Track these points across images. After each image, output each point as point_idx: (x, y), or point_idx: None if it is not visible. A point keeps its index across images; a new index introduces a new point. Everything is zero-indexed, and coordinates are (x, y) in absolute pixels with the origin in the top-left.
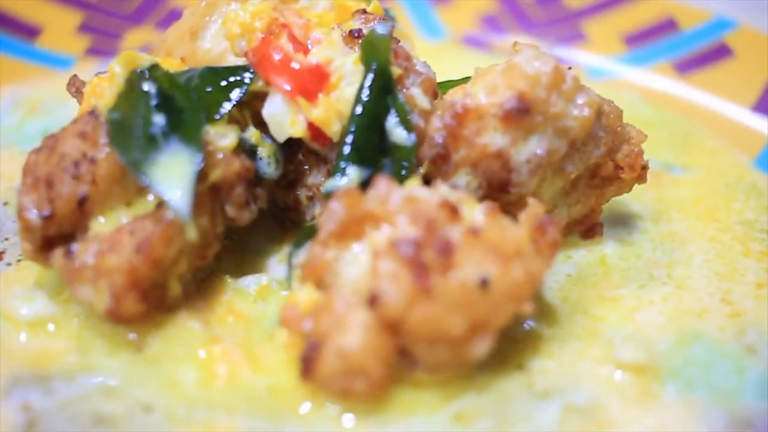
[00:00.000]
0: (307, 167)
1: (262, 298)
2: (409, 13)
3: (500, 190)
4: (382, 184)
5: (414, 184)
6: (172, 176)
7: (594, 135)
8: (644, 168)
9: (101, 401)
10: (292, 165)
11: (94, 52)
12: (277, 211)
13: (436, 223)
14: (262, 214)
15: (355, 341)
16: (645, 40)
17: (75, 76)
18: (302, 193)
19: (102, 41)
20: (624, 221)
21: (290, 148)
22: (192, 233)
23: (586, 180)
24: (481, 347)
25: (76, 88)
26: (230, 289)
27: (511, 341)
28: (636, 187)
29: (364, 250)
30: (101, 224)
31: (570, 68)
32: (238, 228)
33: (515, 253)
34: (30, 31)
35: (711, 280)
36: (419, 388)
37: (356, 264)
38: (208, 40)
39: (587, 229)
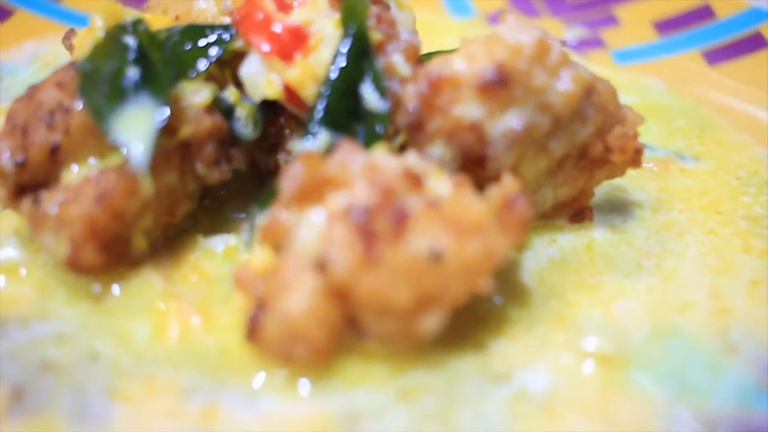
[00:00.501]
0: (288, 131)
1: (228, 259)
2: None
3: (477, 164)
4: (345, 148)
5: (380, 151)
6: (136, 129)
7: (581, 113)
8: (638, 152)
9: (51, 348)
10: (273, 128)
11: None
12: (259, 174)
13: (393, 191)
14: (243, 177)
15: (299, 305)
16: (677, 27)
17: (71, 29)
18: (282, 157)
19: (127, 2)
20: (621, 208)
21: (272, 111)
22: (147, 186)
23: (574, 161)
24: (431, 322)
25: (70, 41)
26: (199, 248)
27: (474, 319)
28: (640, 174)
29: (321, 214)
30: (73, 174)
31: (564, 43)
32: (217, 188)
33: (474, 227)
34: None
35: (702, 273)
36: (369, 359)
37: (312, 228)
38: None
39: (575, 212)
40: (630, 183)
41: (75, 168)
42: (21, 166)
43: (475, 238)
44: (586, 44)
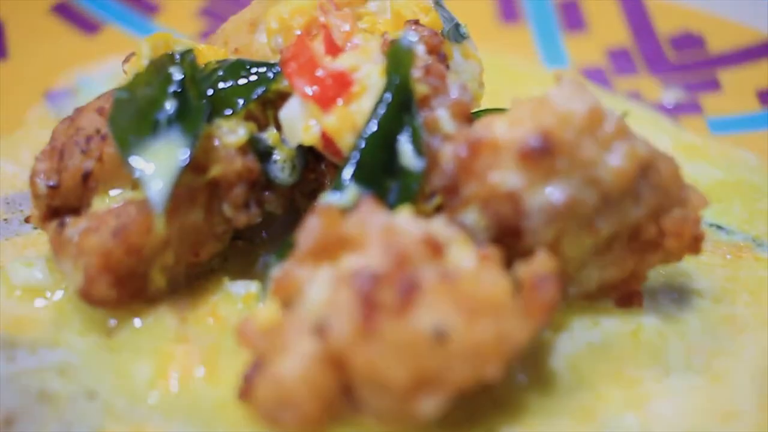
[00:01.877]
0: (328, 179)
1: (247, 306)
2: (535, 38)
3: (512, 236)
4: (366, 206)
5: (404, 213)
6: (159, 165)
7: (634, 191)
8: (697, 239)
9: (53, 379)
10: (313, 174)
11: (207, 36)
12: (299, 219)
13: (408, 259)
14: (283, 220)
15: (292, 370)
16: None
17: (132, 53)
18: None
19: (218, 26)
20: (679, 295)
21: (314, 156)
22: (160, 226)
23: (625, 242)
24: (429, 405)
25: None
26: (222, 291)
27: (490, 403)
28: (709, 259)
29: (331, 274)
30: (101, 203)
31: (626, 114)
32: (254, 230)
33: (489, 307)
34: (150, 7)
35: (756, 380)
36: None
37: (321, 289)
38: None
39: (624, 296)
40: (695, 268)
41: (106, 197)
42: (54, 189)
43: (488, 320)
44: (682, 108)
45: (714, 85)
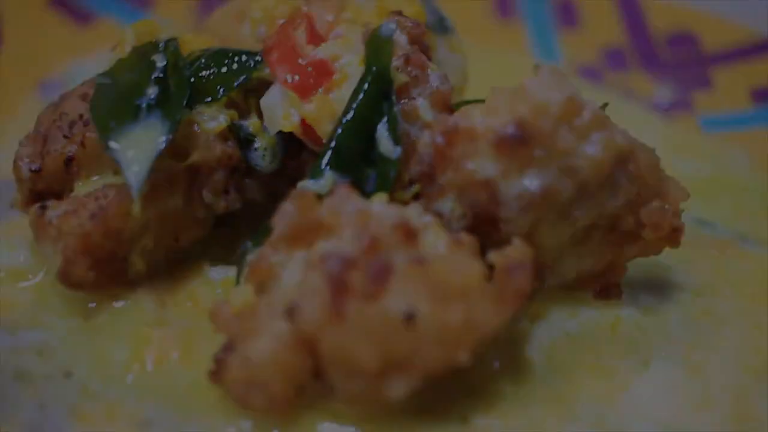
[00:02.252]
0: (309, 167)
1: (225, 291)
2: (528, 33)
3: (489, 225)
4: (341, 193)
5: (378, 199)
6: (138, 149)
7: (612, 181)
8: (676, 230)
9: (31, 359)
10: (294, 161)
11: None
12: None
13: (380, 243)
14: (266, 208)
15: (262, 352)
16: None
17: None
18: None
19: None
20: (659, 288)
21: (295, 144)
22: (136, 209)
23: (603, 232)
24: (399, 388)
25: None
26: (201, 276)
27: (464, 390)
28: (692, 252)
29: (305, 258)
30: (83, 187)
31: (607, 104)
32: (238, 217)
33: (460, 293)
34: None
35: (733, 372)
36: (339, 420)
37: (294, 273)
38: None
39: (602, 288)
40: (676, 261)
41: (88, 181)
42: (36, 173)
43: (458, 304)
44: (674, 106)
45: (706, 83)
